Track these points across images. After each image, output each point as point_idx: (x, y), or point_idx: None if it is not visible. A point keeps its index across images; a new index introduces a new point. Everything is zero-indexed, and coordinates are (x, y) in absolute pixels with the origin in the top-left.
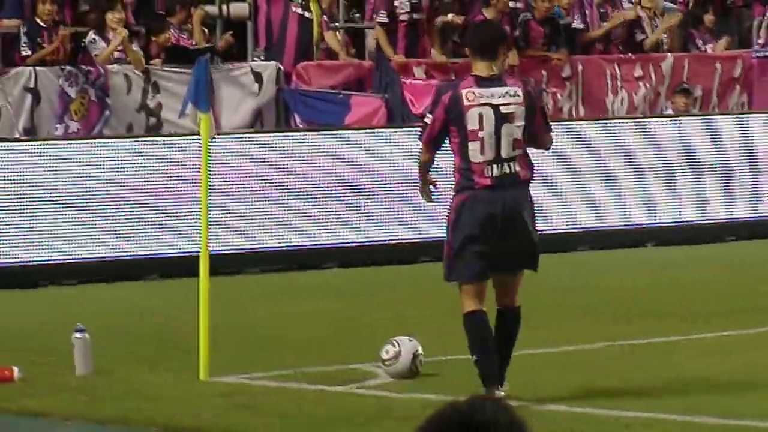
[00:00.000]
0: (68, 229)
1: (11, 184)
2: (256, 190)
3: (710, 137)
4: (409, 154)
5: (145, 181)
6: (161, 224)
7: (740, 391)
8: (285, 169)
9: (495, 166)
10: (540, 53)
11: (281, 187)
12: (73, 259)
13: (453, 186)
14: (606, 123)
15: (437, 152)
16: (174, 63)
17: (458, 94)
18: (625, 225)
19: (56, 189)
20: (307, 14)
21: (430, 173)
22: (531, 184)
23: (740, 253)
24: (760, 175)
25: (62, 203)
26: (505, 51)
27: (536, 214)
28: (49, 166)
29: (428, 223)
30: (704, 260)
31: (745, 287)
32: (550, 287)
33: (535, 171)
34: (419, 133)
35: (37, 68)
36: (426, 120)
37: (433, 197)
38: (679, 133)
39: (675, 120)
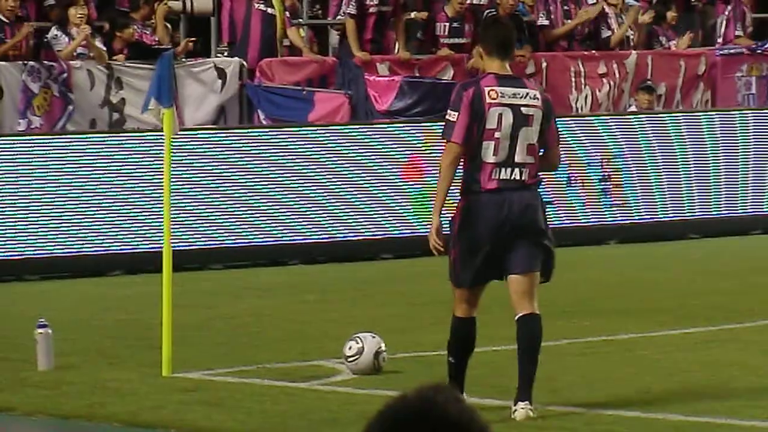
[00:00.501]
0: (31, 224)
1: None
2: (220, 186)
3: (676, 134)
4: (372, 150)
5: (108, 177)
6: (124, 220)
7: (703, 389)
8: (249, 166)
9: (504, 169)
10: None
11: (245, 183)
12: (36, 254)
13: (459, 187)
14: (569, 120)
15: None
16: (137, 59)
17: (480, 91)
18: (591, 222)
19: (19, 184)
20: (270, 10)
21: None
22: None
23: (702, 251)
24: (728, 174)
25: (25, 199)
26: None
27: (547, 219)
28: (12, 162)
29: (391, 220)
30: (665, 258)
31: (705, 285)
32: None
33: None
34: (442, 132)
35: (0, 63)
36: (449, 118)
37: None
38: (645, 130)
39: (639, 117)
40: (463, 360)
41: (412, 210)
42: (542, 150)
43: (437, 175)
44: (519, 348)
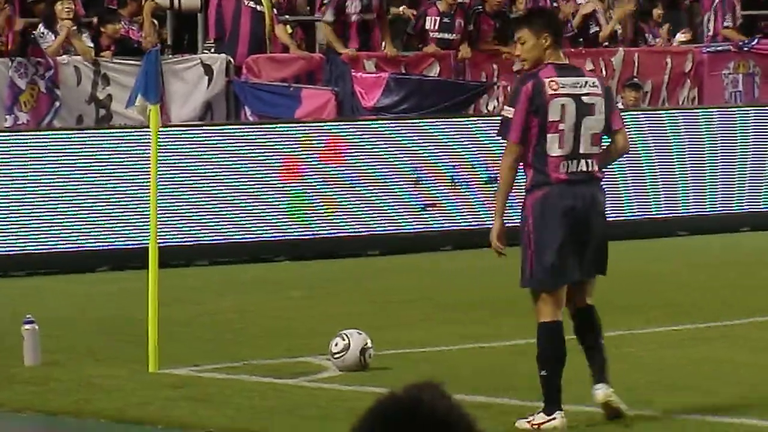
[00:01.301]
0: (17, 220)
1: None
2: (207, 183)
3: (661, 131)
4: (359, 145)
5: (94, 173)
6: (111, 216)
7: (691, 386)
8: (235, 162)
9: (571, 161)
10: (491, 47)
11: (232, 180)
12: (23, 250)
13: (524, 184)
14: None
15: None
16: (124, 55)
17: (541, 83)
18: None
19: (5, 180)
20: (259, 8)
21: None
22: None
23: (687, 248)
24: (720, 171)
25: (11, 194)
26: None
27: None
28: None
29: (377, 216)
30: (653, 255)
31: (695, 281)
32: (493, 280)
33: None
34: (498, 129)
35: None
36: (505, 114)
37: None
38: (631, 127)
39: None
40: (555, 372)
41: (395, 207)
42: (605, 135)
43: (499, 175)
44: (587, 333)
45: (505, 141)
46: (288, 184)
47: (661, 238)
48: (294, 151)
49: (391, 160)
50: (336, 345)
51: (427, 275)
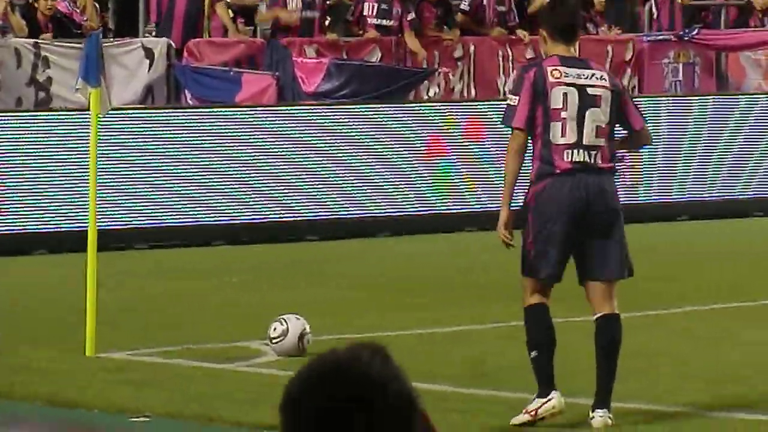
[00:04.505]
0: None
1: None
2: (146, 167)
3: None
4: (299, 131)
5: (34, 156)
6: (50, 199)
7: (627, 375)
8: (175, 146)
9: (576, 151)
10: (432, 34)
11: (172, 164)
12: None
13: (530, 174)
14: (497, 104)
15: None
16: (66, 38)
17: (543, 71)
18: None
19: None
20: None
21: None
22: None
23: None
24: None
25: None
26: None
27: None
28: None
29: (315, 201)
30: None
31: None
32: (435, 266)
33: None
34: (503, 117)
35: None
36: (510, 102)
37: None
38: None
39: None
40: (544, 353)
41: (335, 193)
42: (627, 132)
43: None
44: (598, 350)
45: (509, 128)
46: (228, 169)
47: None
48: (234, 136)
49: (332, 145)
50: (274, 330)
51: (367, 260)
